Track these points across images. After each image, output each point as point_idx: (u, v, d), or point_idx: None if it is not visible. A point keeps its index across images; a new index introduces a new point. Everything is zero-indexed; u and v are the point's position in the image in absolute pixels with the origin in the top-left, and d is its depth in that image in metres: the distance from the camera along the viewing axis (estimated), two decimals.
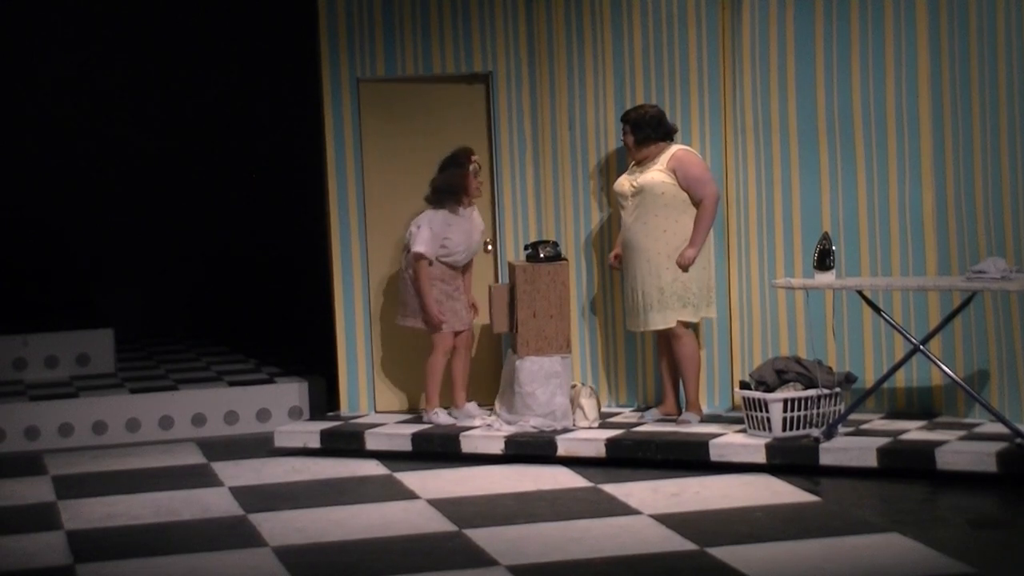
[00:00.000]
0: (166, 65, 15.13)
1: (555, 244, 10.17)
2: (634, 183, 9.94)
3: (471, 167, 10.27)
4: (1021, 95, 9.35)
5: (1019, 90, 9.35)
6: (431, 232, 10.21)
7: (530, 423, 9.95)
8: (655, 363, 10.50)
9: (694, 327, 10.05)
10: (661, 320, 9.88)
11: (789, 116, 10.13)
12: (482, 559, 7.53)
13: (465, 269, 10.40)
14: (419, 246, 10.19)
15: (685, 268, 9.80)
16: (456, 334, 10.30)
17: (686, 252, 9.80)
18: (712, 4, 10.30)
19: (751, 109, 10.22)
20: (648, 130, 9.94)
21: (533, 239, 10.58)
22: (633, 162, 10.07)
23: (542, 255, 10.11)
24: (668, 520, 8.14)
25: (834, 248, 9.34)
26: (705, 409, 10.16)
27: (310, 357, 12.51)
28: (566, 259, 10.24)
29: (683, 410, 10.03)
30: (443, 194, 10.27)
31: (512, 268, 10.10)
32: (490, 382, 10.64)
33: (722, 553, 7.44)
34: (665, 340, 10.02)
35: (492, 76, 10.74)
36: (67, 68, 15.06)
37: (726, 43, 10.29)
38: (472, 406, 10.34)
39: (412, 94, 10.88)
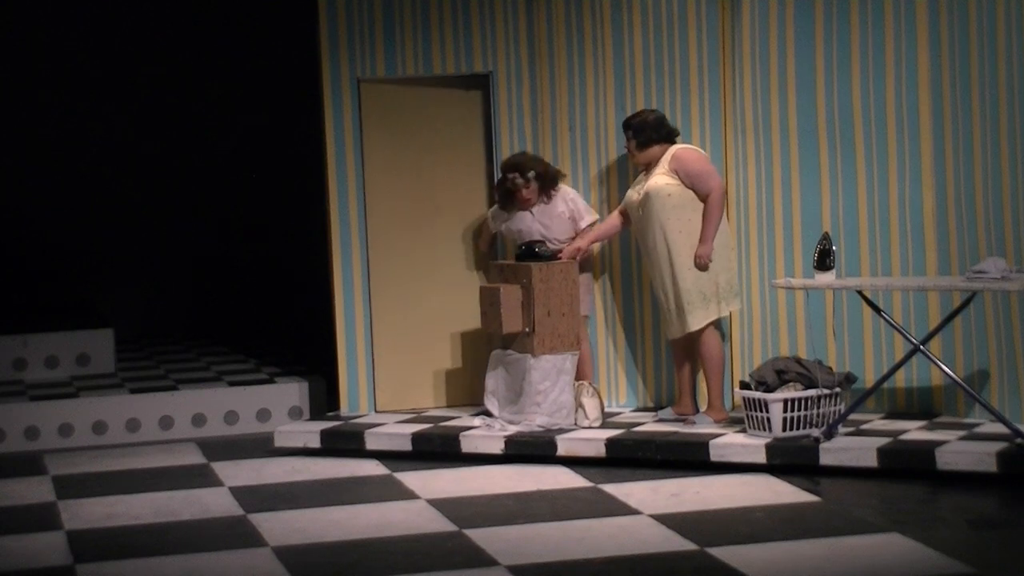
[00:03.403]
0: (166, 65, 15.13)
1: (542, 242, 10.20)
2: (640, 191, 9.94)
3: (509, 185, 10.30)
4: (1021, 95, 9.35)
5: (1019, 90, 9.35)
6: (493, 212, 10.58)
7: (536, 422, 9.95)
8: (655, 363, 10.51)
9: (716, 324, 10.02)
10: (697, 320, 9.84)
11: (789, 116, 10.13)
12: (482, 559, 7.53)
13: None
14: (490, 213, 10.62)
15: (703, 267, 9.79)
16: None
17: (699, 251, 9.78)
18: (712, 4, 10.30)
19: (751, 109, 10.22)
20: (650, 132, 9.94)
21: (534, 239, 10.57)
22: (641, 171, 10.06)
23: (537, 249, 10.14)
24: (668, 520, 8.14)
25: (834, 248, 9.34)
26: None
27: (310, 357, 12.51)
28: (561, 257, 10.23)
29: (699, 410, 10.01)
30: (502, 201, 10.48)
31: (528, 269, 10.05)
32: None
33: (722, 553, 7.44)
34: (682, 339, 10.00)
35: (492, 76, 10.74)
36: (66, 68, 15.06)
37: (726, 43, 10.29)
38: None
39: (412, 94, 10.88)
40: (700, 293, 9.82)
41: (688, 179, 9.81)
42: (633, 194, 10.02)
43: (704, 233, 9.80)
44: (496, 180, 10.51)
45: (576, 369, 10.17)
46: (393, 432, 10.18)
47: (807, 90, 10.08)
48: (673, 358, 10.25)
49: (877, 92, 9.92)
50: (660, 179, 9.87)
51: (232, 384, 11.66)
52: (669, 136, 9.98)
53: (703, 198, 9.81)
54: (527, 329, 10.04)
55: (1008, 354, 9.46)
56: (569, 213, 10.33)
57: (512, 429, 9.97)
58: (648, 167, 10.00)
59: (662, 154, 9.93)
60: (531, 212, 10.33)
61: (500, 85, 10.74)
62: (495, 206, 10.55)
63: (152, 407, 11.20)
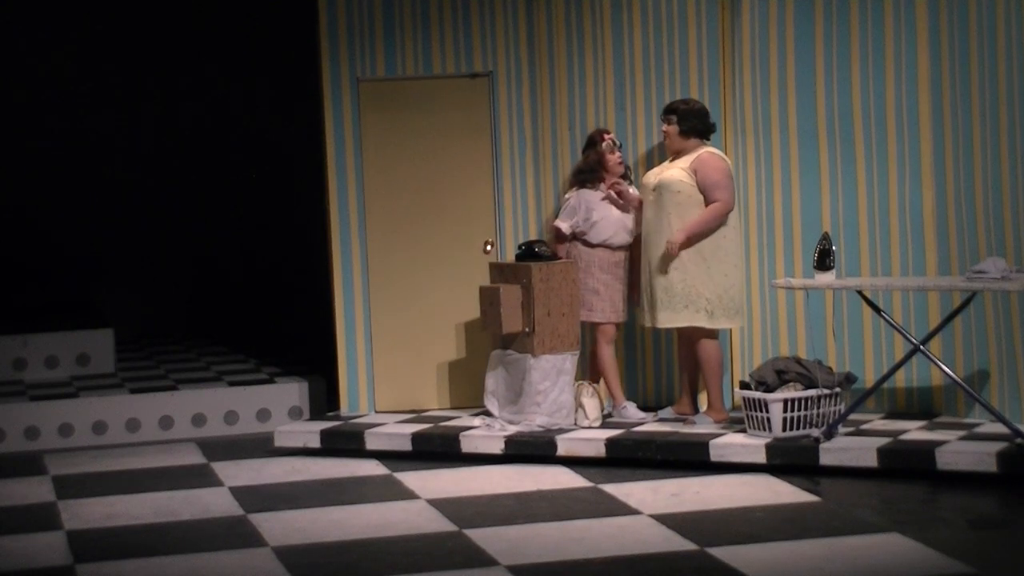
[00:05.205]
0: (166, 65, 15.14)
1: (541, 242, 10.21)
2: (657, 176, 9.90)
3: (604, 144, 10.22)
4: (1021, 95, 9.35)
5: (1019, 90, 9.36)
6: (569, 207, 10.24)
7: (536, 422, 9.96)
8: (655, 363, 10.51)
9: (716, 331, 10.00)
10: (666, 320, 9.85)
11: (789, 116, 10.13)
12: (482, 559, 7.54)
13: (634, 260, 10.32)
14: (556, 221, 10.29)
15: (670, 254, 9.70)
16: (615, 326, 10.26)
17: (672, 236, 9.73)
18: (712, 4, 10.30)
19: (751, 109, 10.22)
20: (695, 121, 9.85)
21: (534, 239, 10.57)
22: (668, 159, 10.02)
23: (537, 249, 10.14)
24: (668, 520, 8.14)
25: (834, 248, 9.34)
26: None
27: (310, 357, 12.51)
28: (561, 257, 10.23)
29: (699, 411, 10.00)
30: (583, 174, 10.27)
31: (528, 269, 10.05)
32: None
33: (722, 553, 7.44)
34: (686, 340, 10.00)
35: (492, 76, 10.74)
36: (66, 68, 15.06)
37: (726, 43, 10.30)
38: (631, 407, 10.23)
39: (412, 94, 10.89)
40: (682, 296, 9.78)
41: (703, 184, 9.75)
42: (651, 178, 9.96)
43: (688, 224, 9.71)
44: (583, 153, 10.30)
45: (592, 372, 10.19)
46: (393, 432, 10.19)
47: (807, 90, 10.08)
48: (676, 357, 10.25)
49: (877, 92, 9.92)
50: (677, 173, 9.82)
51: (232, 384, 11.67)
52: (709, 131, 9.94)
53: (708, 205, 9.77)
54: (527, 329, 10.04)
55: (1008, 354, 9.46)
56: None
57: (512, 429, 9.97)
58: (676, 156, 9.93)
59: (693, 148, 9.87)
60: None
61: (500, 85, 10.75)
62: (568, 204, 10.22)
63: (152, 407, 11.20)
